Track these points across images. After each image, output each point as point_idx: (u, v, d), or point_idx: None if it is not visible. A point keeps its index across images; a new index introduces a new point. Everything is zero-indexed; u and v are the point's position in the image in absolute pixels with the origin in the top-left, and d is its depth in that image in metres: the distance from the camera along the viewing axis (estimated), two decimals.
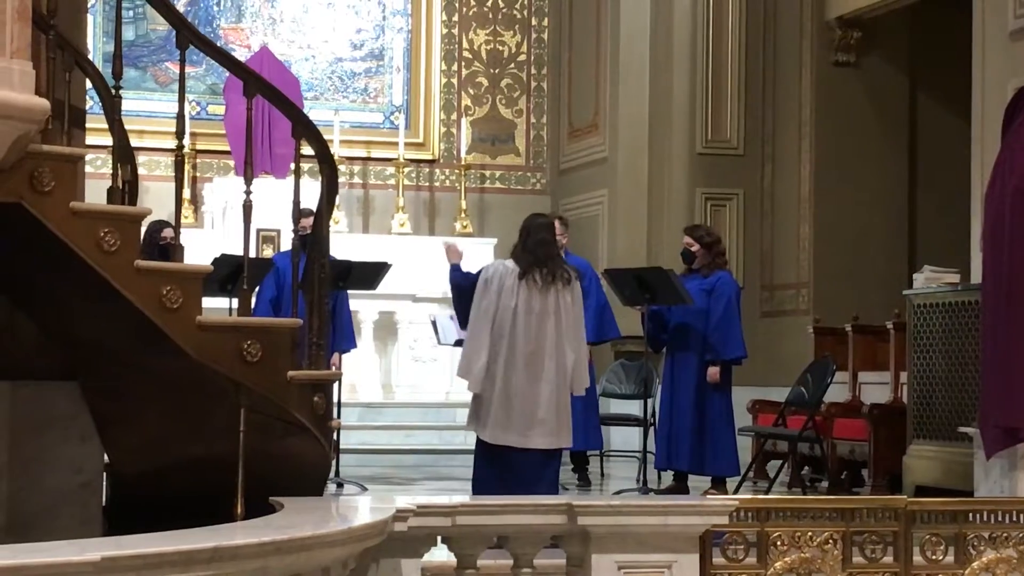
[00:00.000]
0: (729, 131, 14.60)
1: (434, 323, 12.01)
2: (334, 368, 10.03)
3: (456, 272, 9.11)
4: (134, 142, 7.45)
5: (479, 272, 8.68)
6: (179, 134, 6.00)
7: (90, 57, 6.83)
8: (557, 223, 9.85)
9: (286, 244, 13.02)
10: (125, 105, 6.11)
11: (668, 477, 10.62)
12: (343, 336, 10.71)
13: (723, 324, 10.14)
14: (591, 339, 10.25)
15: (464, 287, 8.79)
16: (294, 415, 5.73)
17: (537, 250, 8.46)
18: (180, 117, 6.02)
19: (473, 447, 8.70)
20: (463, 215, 15.68)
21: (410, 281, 13.74)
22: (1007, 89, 9.81)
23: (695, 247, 10.40)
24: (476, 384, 8.42)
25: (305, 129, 6.09)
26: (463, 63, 16.28)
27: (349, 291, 10.83)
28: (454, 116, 16.15)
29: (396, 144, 15.55)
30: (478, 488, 8.59)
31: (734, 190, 14.59)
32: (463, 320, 8.89)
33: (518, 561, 5.88)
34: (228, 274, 9.14)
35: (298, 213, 6.21)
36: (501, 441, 8.36)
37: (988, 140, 9.86)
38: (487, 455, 8.51)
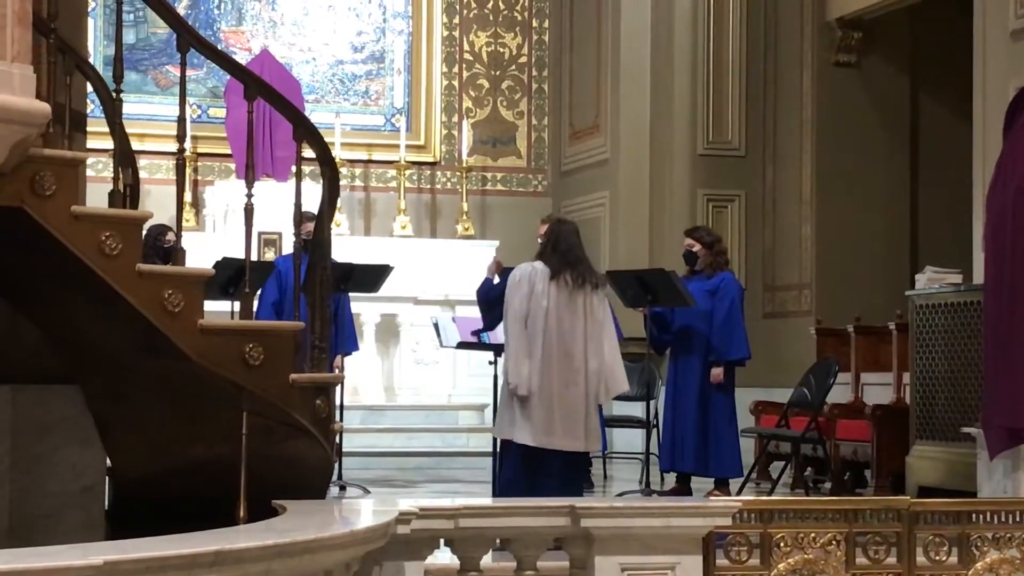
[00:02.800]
0: (730, 132, 14.60)
1: (436, 325, 12.00)
2: (337, 370, 10.04)
3: (486, 284, 9.23)
4: (135, 146, 7.45)
5: (505, 281, 8.72)
6: (180, 137, 6.00)
7: (91, 60, 6.83)
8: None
9: (288, 247, 13.02)
10: (126, 108, 6.11)
11: (671, 479, 10.62)
12: (345, 338, 10.71)
13: (727, 325, 10.15)
14: None
15: (491, 297, 8.85)
16: (296, 418, 5.72)
17: (568, 253, 8.51)
18: (181, 120, 6.02)
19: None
20: (464, 217, 15.68)
21: (412, 283, 13.75)
22: (1008, 89, 9.81)
23: (696, 247, 10.41)
24: (526, 386, 8.39)
25: (306, 132, 6.09)
26: (464, 65, 16.28)
27: (351, 294, 10.84)
28: (455, 118, 16.15)
29: (397, 146, 15.55)
30: (509, 491, 8.58)
31: (736, 191, 14.59)
32: (488, 322, 8.94)
33: (521, 564, 5.88)
34: (230, 277, 9.15)
35: (300, 216, 6.21)
36: (546, 444, 8.33)
37: (990, 140, 9.86)
38: (521, 458, 8.48)
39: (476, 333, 10.38)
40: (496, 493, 8.77)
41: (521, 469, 8.46)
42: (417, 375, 14.17)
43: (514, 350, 8.45)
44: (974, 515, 6.19)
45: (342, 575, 5.03)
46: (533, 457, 8.40)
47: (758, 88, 14.59)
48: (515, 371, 8.41)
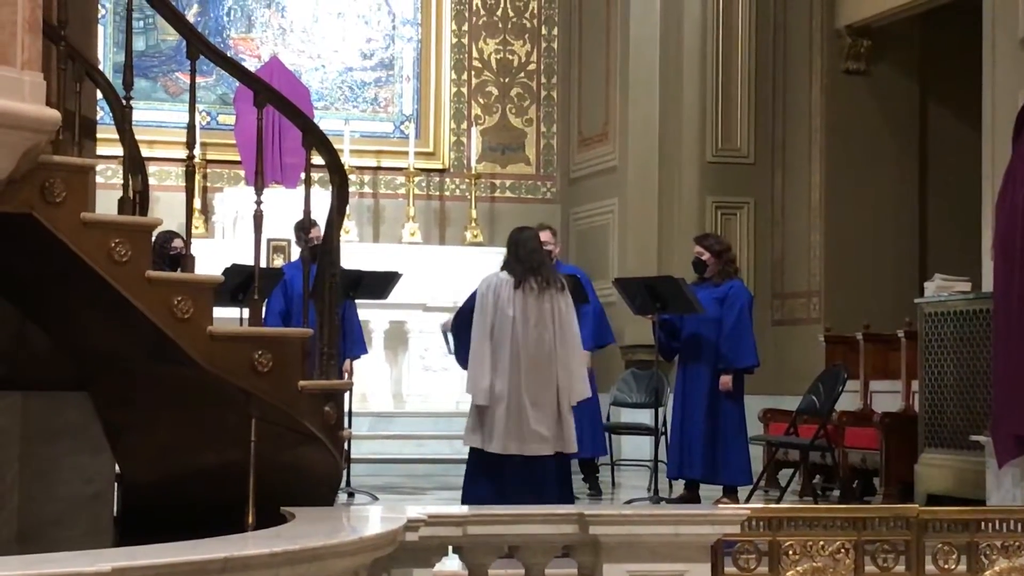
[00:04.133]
0: (739, 139, 14.59)
1: (445, 332, 12.00)
2: (346, 375, 10.05)
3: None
4: (144, 152, 7.46)
5: (474, 293, 8.78)
6: (190, 144, 6.01)
7: (100, 67, 6.84)
8: (547, 232, 10.07)
9: (296, 254, 13.02)
10: (135, 115, 6.11)
11: (679, 486, 10.61)
12: (353, 342, 10.72)
13: (735, 333, 10.14)
14: (590, 346, 10.30)
15: (465, 312, 8.88)
16: (305, 425, 5.73)
17: (530, 259, 8.61)
18: (191, 127, 6.03)
19: None
20: (473, 224, 15.68)
21: (421, 290, 13.75)
22: (1017, 97, 9.80)
23: (706, 256, 10.40)
24: (484, 397, 8.48)
25: (315, 139, 6.10)
26: (473, 72, 16.29)
27: (359, 300, 10.83)
28: (464, 125, 16.15)
29: (406, 153, 15.55)
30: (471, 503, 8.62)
31: (745, 198, 14.58)
32: (460, 350, 8.97)
33: (529, 571, 5.88)
34: (239, 284, 9.14)
35: (308, 224, 6.22)
36: (511, 451, 8.41)
37: (998, 148, 9.85)
38: (488, 467, 8.54)
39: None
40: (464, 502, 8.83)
41: (487, 480, 8.53)
42: (426, 382, 14.16)
43: (475, 360, 8.55)
44: (983, 523, 6.19)
45: None
46: (499, 466, 8.46)
47: (767, 95, 14.58)
48: (472, 383, 8.52)
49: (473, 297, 8.76)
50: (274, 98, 6.11)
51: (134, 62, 6.05)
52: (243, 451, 5.59)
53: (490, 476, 8.51)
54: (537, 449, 8.45)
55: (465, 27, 16.28)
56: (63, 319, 6.01)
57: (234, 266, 9.39)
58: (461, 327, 8.92)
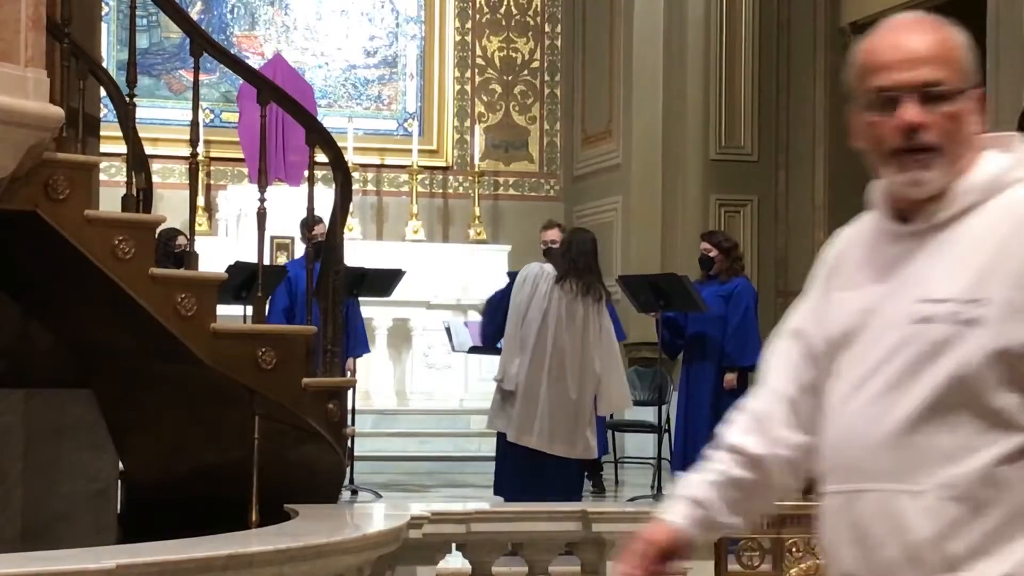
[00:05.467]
0: (743, 137, 14.57)
1: (448, 330, 12.02)
2: (349, 373, 10.05)
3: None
4: (148, 150, 7.45)
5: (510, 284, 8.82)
6: (193, 142, 6.01)
7: (104, 65, 6.85)
8: (555, 230, 10.05)
9: (300, 251, 13.03)
10: (139, 113, 6.12)
11: None
12: (356, 341, 10.72)
13: (741, 331, 10.12)
14: None
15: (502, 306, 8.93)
16: (308, 422, 5.73)
17: (579, 260, 8.61)
18: (194, 125, 6.04)
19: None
20: (477, 222, 15.68)
21: (424, 288, 13.74)
22: (1021, 96, 9.80)
23: (714, 253, 10.38)
24: (512, 382, 8.54)
25: (319, 136, 6.10)
26: (476, 70, 16.29)
27: (362, 298, 10.84)
28: (467, 123, 16.15)
29: (410, 151, 15.55)
30: (500, 482, 8.68)
31: (748, 196, 14.56)
32: (488, 334, 9.03)
33: (533, 568, 5.88)
34: (242, 281, 9.15)
35: (311, 221, 6.22)
36: (523, 442, 8.44)
37: None
38: (510, 451, 8.57)
39: (475, 349, 10.43)
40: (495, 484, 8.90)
41: (510, 461, 8.59)
42: (429, 379, 14.16)
43: (507, 345, 8.59)
44: None
45: None
46: (519, 452, 8.50)
47: (771, 93, 14.57)
48: (502, 369, 8.56)
49: (510, 287, 8.81)
50: (278, 95, 6.11)
51: (137, 59, 6.06)
52: (247, 449, 5.60)
53: (514, 459, 8.55)
54: (549, 447, 8.46)
55: (468, 24, 16.28)
56: (66, 316, 6.02)
57: (238, 263, 9.39)
58: (492, 310, 9.02)
